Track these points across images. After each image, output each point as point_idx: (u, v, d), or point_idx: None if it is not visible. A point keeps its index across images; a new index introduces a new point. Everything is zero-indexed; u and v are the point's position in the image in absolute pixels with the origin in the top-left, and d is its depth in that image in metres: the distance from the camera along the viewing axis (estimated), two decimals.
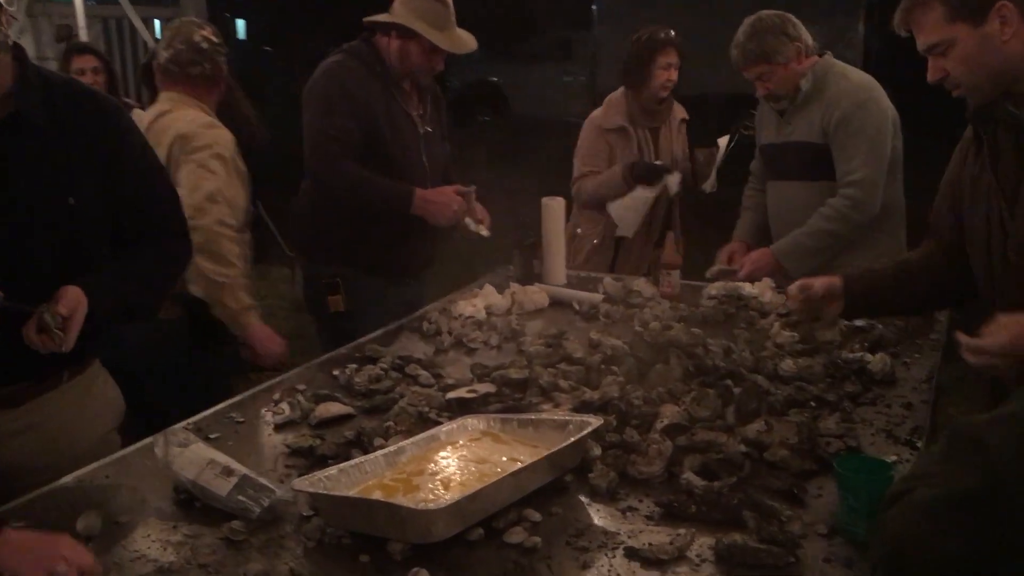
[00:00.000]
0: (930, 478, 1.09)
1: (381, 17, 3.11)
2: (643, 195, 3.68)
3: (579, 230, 3.85)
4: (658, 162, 3.77)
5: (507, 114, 16.94)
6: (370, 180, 3.03)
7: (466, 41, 3.14)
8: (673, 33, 3.77)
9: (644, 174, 3.67)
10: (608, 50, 15.66)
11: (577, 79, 16.86)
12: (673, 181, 3.68)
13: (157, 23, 8.23)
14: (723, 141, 3.75)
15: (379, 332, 2.84)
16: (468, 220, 3.15)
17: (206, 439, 2.00)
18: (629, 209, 3.71)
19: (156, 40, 6.87)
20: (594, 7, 15.46)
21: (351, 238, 3.15)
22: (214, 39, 3.11)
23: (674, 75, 3.71)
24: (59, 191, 1.88)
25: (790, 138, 3.28)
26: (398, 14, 3.08)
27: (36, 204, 1.86)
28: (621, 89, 3.84)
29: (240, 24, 22.97)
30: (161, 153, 2.75)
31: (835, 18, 12.49)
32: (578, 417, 1.95)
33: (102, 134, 1.94)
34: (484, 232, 3.18)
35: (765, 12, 3.23)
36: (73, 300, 1.83)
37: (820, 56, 3.24)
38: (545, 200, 3.30)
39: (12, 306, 1.78)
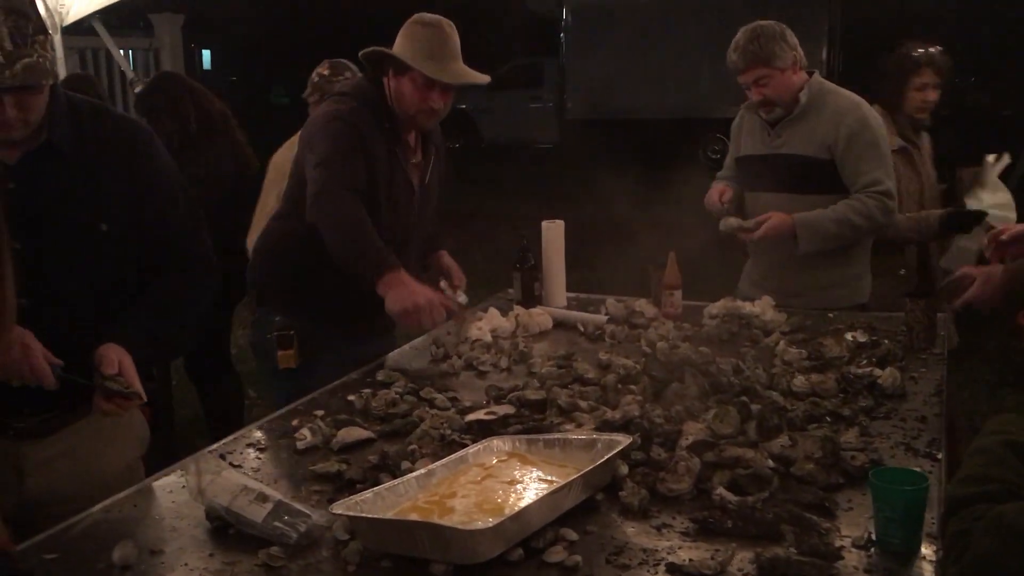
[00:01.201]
0: (1004, 484, 1.10)
1: (374, 49, 2.82)
2: (966, 246, 3.40)
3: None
4: (971, 207, 3.51)
5: (476, 140, 17.05)
6: (363, 226, 2.61)
7: (468, 74, 2.77)
8: (934, 50, 3.60)
9: (959, 223, 3.41)
10: (575, 77, 15.91)
11: (545, 105, 17.05)
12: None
13: (130, 53, 8.22)
14: (991, 158, 3.59)
15: (386, 357, 2.84)
16: (444, 284, 2.95)
17: (229, 467, 1.99)
18: (951, 262, 3.36)
19: (133, 71, 6.85)
20: (562, 34, 15.64)
21: (314, 288, 2.80)
22: (325, 73, 3.51)
23: (931, 95, 3.55)
24: (91, 218, 1.88)
25: (780, 150, 3.29)
26: (395, 47, 2.77)
27: (70, 231, 1.86)
28: (875, 107, 3.59)
29: (206, 55, 22.98)
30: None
31: (799, 44, 12.76)
32: (605, 436, 1.97)
33: (130, 159, 1.95)
34: (461, 299, 2.94)
35: (764, 21, 3.25)
36: (113, 356, 1.85)
37: (809, 74, 3.31)
38: (545, 223, 3.33)
39: (69, 377, 1.79)
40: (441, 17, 2.78)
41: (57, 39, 6.16)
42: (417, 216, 2.91)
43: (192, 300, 2.10)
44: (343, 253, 2.62)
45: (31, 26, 1.70)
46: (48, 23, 4.69)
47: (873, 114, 3.25)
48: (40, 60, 1.70)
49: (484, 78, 2.78)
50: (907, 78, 3.52)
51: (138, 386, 1.84)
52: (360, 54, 2.86)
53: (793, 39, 3.23)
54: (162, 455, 2.37)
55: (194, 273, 2.10)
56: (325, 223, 2.64)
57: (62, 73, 5.38)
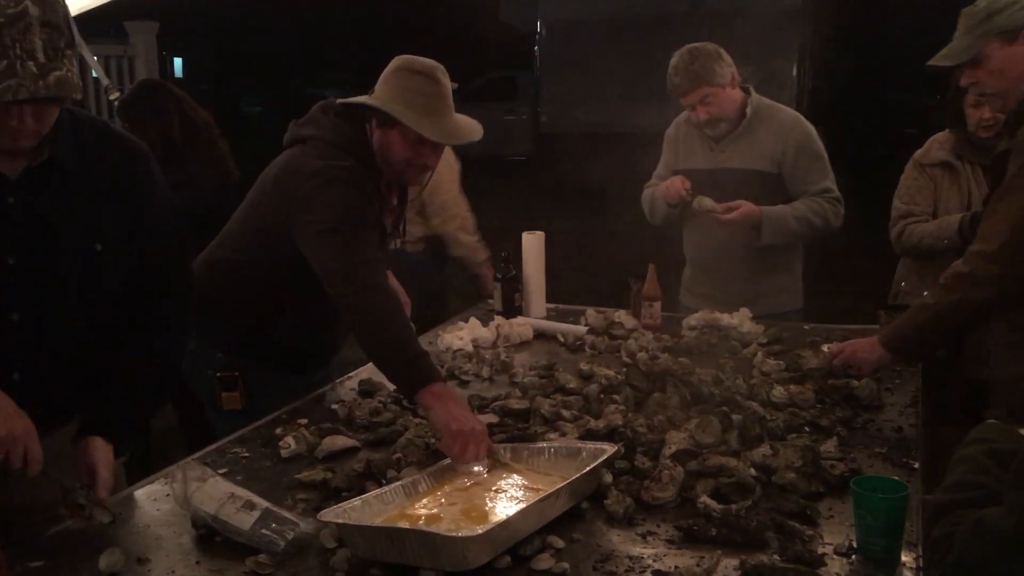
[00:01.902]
0: (986, 490, 1.12)
1: (357, 99, 2.54)
2: None
3: (903, 284, 3.42)
4: None
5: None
6: (406, 328, 2.35)
7: (463, 129, 2.50)
8: None
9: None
10: (550, 90, 15.97)
11: (519, 118, 17.11)
12: None
13: (104, 60, 8.17)
14: None
15: (370, 365, 2.83)
16: None
17: (216, 474, 1.98)
18: None
19: (108, 79, 6.80)
20: (537, 48, 15.72)
21: (258, 325, 2.62)
22: None
23: (987, 112, 3.22)
24: (87, 236, 1.89)
25: (726, 164, 3.35)
26: (376, 96, 2.49)
27: (65, 249, 1.86)
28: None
29: (177, 62, 22.86)
30: None
31: (770, 61, 12.94)
32: (591, 444, 1.99)
33: (128, 179, 1.95)
34: None
35: (695, 43, 3.30)
36: (108, 477, 1.85)
37: (743, 89, 3.36)
38: (525, 234, 3.35)
39: (53, 478, 1.79)
40: (432, 63, 2.49)
41: None
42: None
43: (173, 346, 2.10)
44: (381, 355, 2.32)
45: (63, 40, 1.68)
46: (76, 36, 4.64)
47: (812, 127, 3.35)
48: (69, 74, 1.67)
49: (480, 132, 2.53)
50: (961, 95, 3.27)
51: (104, 501, 1.84)
52: (339, 102, 2.57)
53: (727, 57, 3.29)
54: (137, 465, 2.36)
55: (175, 305, 2.09)
56: (361, 316, 2.32)
57: None
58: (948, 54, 2.45)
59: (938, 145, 3.44)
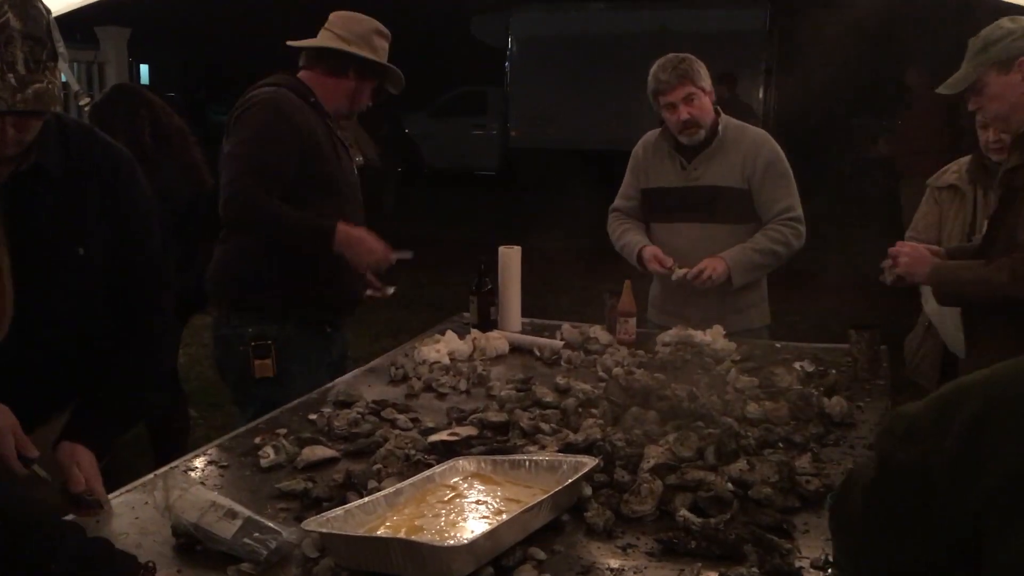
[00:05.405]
0: None
1: (311, 42, 3.04)
2: None
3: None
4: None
5: (420, 165, 17.05)
6: (287, 215, 2.78)
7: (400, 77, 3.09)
8: None
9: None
10: (520, 105, 16.04)
11: (488, 133, 17.17)
12: None
13: (74, 66, 8.10)
14: None
15: (347, 376, 2.85)
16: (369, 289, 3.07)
17: (198, 483, 1.98)
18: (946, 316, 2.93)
19: (79, 84, 6.75)
20: (507, 63, 15.80)
21: (276, 279, 2.88)
22: None
23: (992, 134, 3.17)
24: (70, 241, 1.89)
25: (697, 182, 3.40)
26: (325, 38, 2.99)
27: (48, 254, 1.87)
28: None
29: (144, 69, 22.65)
30: None
31: (737, 82, 13.11)
32: (571, 458, 2.01)
33: (112, 185, 1.97)
34: (390, 291, 3.10)
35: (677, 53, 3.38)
36: (78, 473, 1.88)
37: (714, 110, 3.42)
38: (502, 248, 3.37)
39: (35, 472, 1.81)
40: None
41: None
42: (363, 196, 3.10)
43: (157, 356, 2.12)
44: (285, 242, 2.83)
45: (45, 52, 1.70)
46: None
47: (779, 147, 3.43)
48: (49, 87, 1.70)
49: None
50: (972, 116, 3.03)
51: (101, 492, 1.89)
52: (331, 47, 2.98)
53: (706, 70, 3.37)
54: (104, 475, 2.33)
55: (159, 315, 2.10)
56: (247, 228, 2.86)
57: None
58: (951, 82, 2.59)
59: (954, 168, 3.43)
